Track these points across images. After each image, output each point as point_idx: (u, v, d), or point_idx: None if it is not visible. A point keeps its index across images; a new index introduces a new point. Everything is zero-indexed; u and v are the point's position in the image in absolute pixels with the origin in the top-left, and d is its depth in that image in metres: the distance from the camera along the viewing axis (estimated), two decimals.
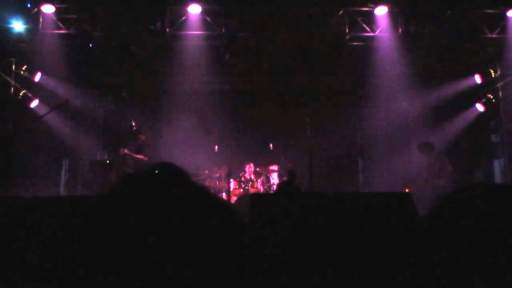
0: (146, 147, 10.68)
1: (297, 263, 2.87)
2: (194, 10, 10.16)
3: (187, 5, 10.12)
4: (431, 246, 1.14)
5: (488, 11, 10.42)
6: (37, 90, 10.98)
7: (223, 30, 10.42)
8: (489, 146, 12.27)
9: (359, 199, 4.04)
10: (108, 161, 11.09)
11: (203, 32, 10.44)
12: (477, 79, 11.32)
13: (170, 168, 1.05)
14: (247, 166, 10.95)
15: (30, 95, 10.89)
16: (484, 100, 11.47)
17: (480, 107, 11.54)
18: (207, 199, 1.02)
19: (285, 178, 10.47)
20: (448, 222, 1.15)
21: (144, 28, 10.29)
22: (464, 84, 11.57)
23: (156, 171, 1.04)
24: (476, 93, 11.58)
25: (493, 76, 11.33)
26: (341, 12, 10.48)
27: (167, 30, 10.26)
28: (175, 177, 1.03)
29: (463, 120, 11.87)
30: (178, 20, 10.32)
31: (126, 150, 10.45)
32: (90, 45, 10.61)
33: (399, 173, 11.86)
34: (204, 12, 10.25)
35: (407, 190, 10.07)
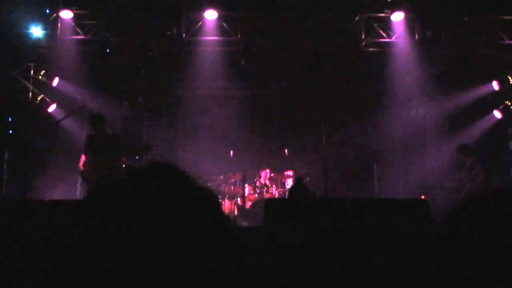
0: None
1: (309, 267, 2.87)
2: (211, 16, 10.21)
3: (204, 11, 10.18)
4: (447, 252, 1.13)
5: (506, 17, 10.34)
6: (55, 95, 11.10)
7: (239, 36, 10.47)
8: (507, 153, 12.14)
9: (374, 205, 4.02)
10: (123, 165, 11.13)
11: (219, 38, 10.49)
12: (495, 85, 11.22)
13: (163, 167, 1.05)
14: (263, 172, 10.95)
15: (48, 100, 11.00)
16: (501, 107, 11.37)
17: (497, 114, 11.44)
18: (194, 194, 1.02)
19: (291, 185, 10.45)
20: (466, 227, 1.13)
21: (161, 34, 10.37)
22: (481, 90, 11.46)
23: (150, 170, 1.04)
24: (493, 100, 11.48)
25: (511, 82, 11.22)
26: (357, 18, 10.48)
27: (184, 36, 10.32)
28: (169, 176, 1.03)
29: (480, 127, 11.76)
30: (194, 26, 10.38)
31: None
32: (107, 50, 10.70)
33: (415, 180, 11.76)
34: (220, 18, 10.30)
35: (423, 197, 10.00)
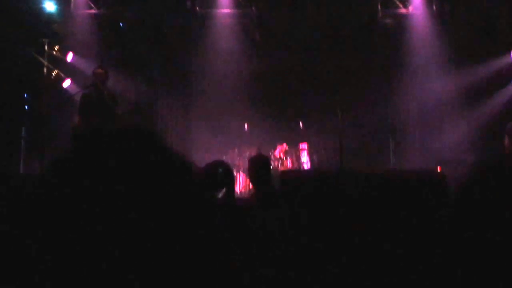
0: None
1: (325, 240, 2.84)
2: None
3: None
4: (463, 221, 1.10)
5: None
6: (69, 70, 11.10)
7: (253, 9, 10.39)
8: None
9: (389, 176, 3.96)
10: None
11: (233, 11, 10.42)
12: None
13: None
14: (280, 146, 10.95)
15: (62, 75, 11.02)
16: None
17: None
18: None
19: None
20: (481, 194, 1.11)
21: (175, 7, 10.32)
22: (499, 63, 11.28)
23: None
24: (510, 71, 11.30)
25: None
26: None
27: (197, 8, 10.26)
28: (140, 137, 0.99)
29: (498, 99, 11.59)
30: None
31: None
32: (121, 25, 10.67)
33: (432, 154, 11.66)
34: None
35: (439, 169, 9.93)
